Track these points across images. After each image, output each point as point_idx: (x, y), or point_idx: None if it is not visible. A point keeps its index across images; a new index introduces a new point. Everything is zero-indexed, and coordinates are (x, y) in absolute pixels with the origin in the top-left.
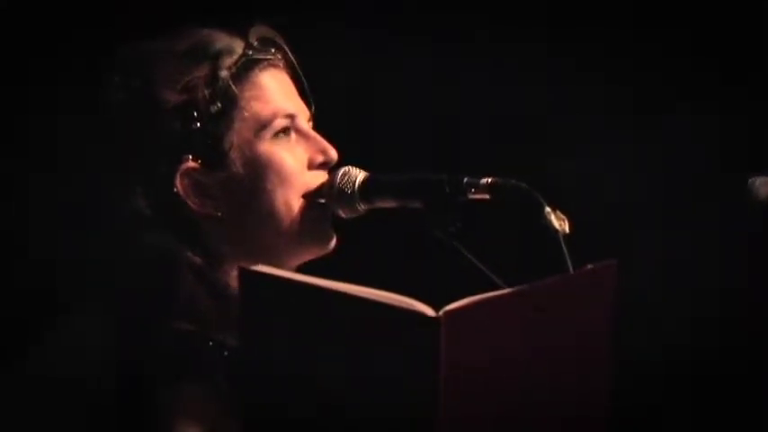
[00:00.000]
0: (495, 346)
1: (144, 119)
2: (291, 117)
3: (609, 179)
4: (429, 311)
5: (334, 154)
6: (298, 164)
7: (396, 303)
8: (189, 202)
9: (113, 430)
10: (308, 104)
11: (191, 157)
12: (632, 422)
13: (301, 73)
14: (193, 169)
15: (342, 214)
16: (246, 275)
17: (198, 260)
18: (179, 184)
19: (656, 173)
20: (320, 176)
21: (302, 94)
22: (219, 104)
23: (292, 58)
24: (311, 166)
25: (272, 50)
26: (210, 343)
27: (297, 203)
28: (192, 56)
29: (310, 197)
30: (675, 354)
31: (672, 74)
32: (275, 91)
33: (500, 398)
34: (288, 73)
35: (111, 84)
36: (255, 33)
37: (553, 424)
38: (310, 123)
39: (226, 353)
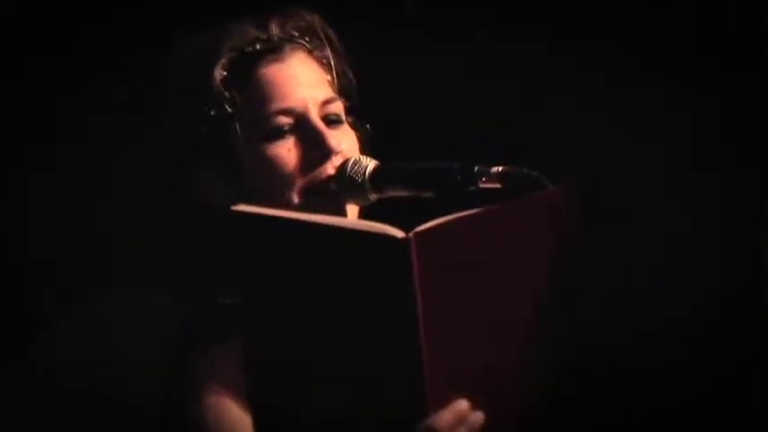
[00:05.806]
0: (463, 264)
1: (159, 128)
2: (288, 112)
3: (609, 175)
4: (399, 234)
5: (331, 143)
6: (294, 162)
7: (368, 228)
8: (211, 202)
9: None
10: (337, 89)
11: (202, 161)
12: (633, 421)
13: (332, 57)
14: (207, 173)
15: (353, 203)
16: (233, 217)
17: None
18: (196, 189)
19: (658, 170)
20: (322, 170)
21: (334, 76)
22: (216, 110)
23: (323, 41)
24: (310, 161)
25: (294, 37)
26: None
27: (299, 199)
28: (198, 63)
29: (315, 189)
30: (675, 351)
31: (673, 72)
32: (272, 89)
33: (474, 315)
34: (313, 58)
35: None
36: (277, 22)
37: (525, 336)
38: (329, 106)
39: None
